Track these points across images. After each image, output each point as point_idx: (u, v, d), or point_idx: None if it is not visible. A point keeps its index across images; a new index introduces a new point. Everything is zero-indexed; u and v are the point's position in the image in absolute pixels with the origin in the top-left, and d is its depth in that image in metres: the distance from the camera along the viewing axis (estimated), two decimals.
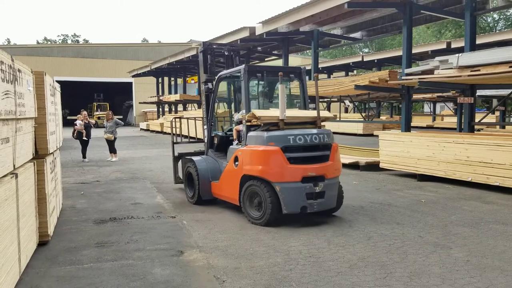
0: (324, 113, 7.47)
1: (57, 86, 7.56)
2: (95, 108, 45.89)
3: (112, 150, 15.74)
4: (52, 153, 6.54)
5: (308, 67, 32.01)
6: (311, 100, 9.93)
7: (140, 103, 42.57)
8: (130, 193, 9.50)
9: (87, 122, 15.45)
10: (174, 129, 10.05)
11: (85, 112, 15.99)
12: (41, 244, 5.67)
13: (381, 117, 32.73)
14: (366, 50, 66.21)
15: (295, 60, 44.11)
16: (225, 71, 8.23)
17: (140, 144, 22.86)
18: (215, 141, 8.40)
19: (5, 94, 3.78)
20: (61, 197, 7.99)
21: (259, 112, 6.91)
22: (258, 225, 6.63)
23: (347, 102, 26.44)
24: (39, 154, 5.71)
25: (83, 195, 9.33)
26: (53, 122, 6.57)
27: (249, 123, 6.98)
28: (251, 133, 6.96)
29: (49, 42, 76.95)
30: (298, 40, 19.03)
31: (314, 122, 7.11)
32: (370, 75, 13.63)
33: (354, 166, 12.95)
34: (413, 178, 11.03)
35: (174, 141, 9.70)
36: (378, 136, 13.17)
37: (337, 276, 4.61)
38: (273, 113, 6.96)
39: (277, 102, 7.45)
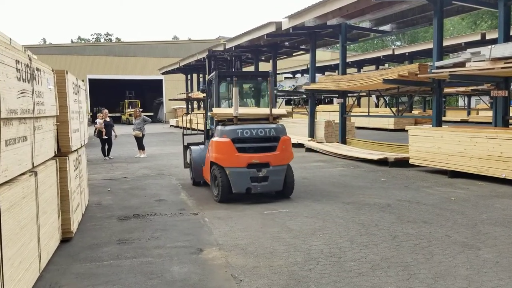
0: (277, 111, 8.92)
1: (81, 84, 7.65)
2: (126, 105, 46.64)
3: (141, 147, 15.94)
4: (75, 150, 6.62)
5: (337, 61, 31.49)
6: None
7: (169, 100, 43.07)
8: (155, 190, 9.56)
9: (107, 120, 15.64)
10: (185, 123, 11.64)
11: (106, 111, 16.19)
12: (64, 240, 5.75)
13: (413, 112, 31.95)
14: (398, 43, 64.76)
15: (324, 55, 43.64)
16: (209, 76, 9.58)
17: (168, 141, 23.07)
18: (210, 133, 9.29)
19: (21, 93, 3.81)
20: (87, 193, 8.11)
21: (216, 110, 8.44)
22: (216, 201, 8.12)
23: (374, 97, 25.89)
24: (62, 152, 5.78)
25: (110, 192, 9.46)
26: (77, 120, 6.65)
27: (217, 119, 8.32)
28: (216, 127, 8.29)
29: (82, 41, 78.89)
30: (325, 34, 18.71)
31: (268, 118, 8.27)
32: (399, 68, 13.27)
33: (382, 162, 12.65)
34: (443, 174, 10.67)
35: (184, 133, 11.10)
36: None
37: (358, 277, 4.47)
38: (230, 111, 8.20)
39: (247, 101, 9.55)
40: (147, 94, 52.08)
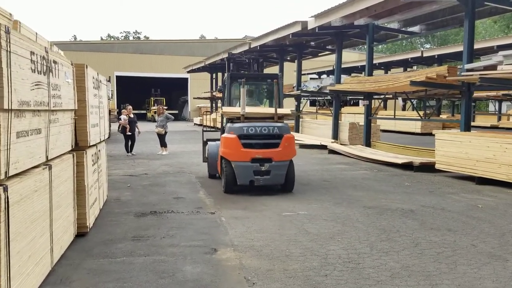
0: (282, 110, 9.19)
1: (103, 79, 7.65)
2: (152, 103, 47.12)
3: (163, 144, 15.98)
4: (94, 145, 6.61)
5: (363, 62, 31.05)
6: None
7: (194, 98, 43.28)
8: (174, 187, 9.52)
9: (131, 117, 15.72)
10: (207, 121, 12.04)
11: (130, 107, 16.29)
12: (80, 235, 5.73)
13: (441, 116, 31.18)
14: (428, 46, 63.55)
15: (350, 56, 43.11)
16: (224, 77, 10.44)
17: (192, 139, 23.11)
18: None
19: (36, 85, 3.77)
20: (106, 189, 8.11)
21: (226, 109, 9.37)
22: (224, 192, 8.80)
23: (400, 99, 25.35)
24: (80, 146, 5.76)
25: (129, 188, 9.46)
26: (96, 115, 6.63)
27: (228, 117, 9.12)
28: (226, 125, 9.07)
29: (112, 39, 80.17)
30: (352, 34, 18.40)
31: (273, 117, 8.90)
32: (427, 70, 12.90)
33: (407, 166, 12.30)
34: (471, 181, 10.28)
35: (204, 129, 11.85)
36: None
37: (376, 286, 4.27)
38: (238, 109, 8.90)
39: (259, 101, 10.53)
40: (173, 92, 52.52)
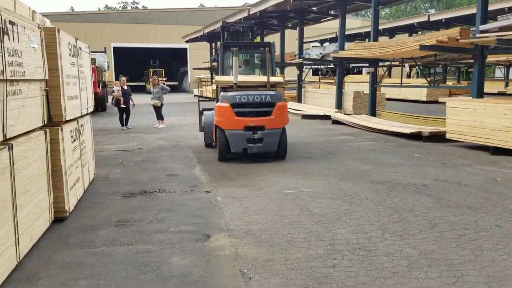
0: (274, 79, 9.23)
1: (84, 46, 6.92)
2: (151, 74, 46.04)
3: (159, 117, 15.31)
4: (74, 119, 5.96)
5: (367, 29, 29.90)
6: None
7: (193, 69, 42.24)
8: (168, 163, 8.92)
9: (125, 88, 14.98)
10: (204, 91, 12.55)
11: (123, 78, 15.52)
12: (58, 220, 5.15)
13: (447, 83, 30.23)
14: (433, 11, 61.71)
15: (354, 23, 41.81)
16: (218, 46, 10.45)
17: (191, 111, 22.34)
18: None
19: None
20: (93, 166, 7.50)
21: (219, 78, 9.43)
22: (218, 160, 8.97)
23: (407, 66, 24.41)
24: (54, 122, 5.11)
25: (120, 164, 8.86)
26: (75, 86, 5.95)
27: (221, 86, 9.18)
28: (220, 93, 9.11)
29: (109, 10, 78.28)
30: None
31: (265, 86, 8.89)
32: (437, 33, 12.08)
33: (416, 136, 11.63)
34: (485, 151, 9.62)
35: (200, 99, 12.13)
36: (443, 103, 11.73)
37: (392, 279, 3.68)
38: (231, 78, 8.88)
39: (253, 70, 10.52)
40: (172, 63, 51.38)
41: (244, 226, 5.03)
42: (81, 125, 6.47)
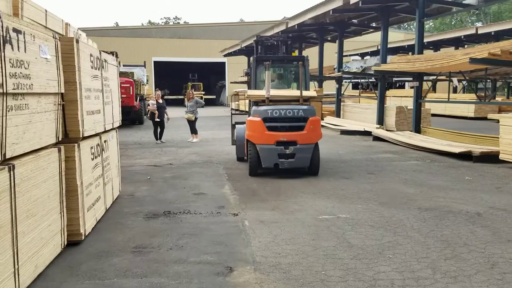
0: (308, 93, 9.12)
1: (111, 59, 6.64)
2: (189, 88, 46.48)
3: (193, 131, 15.02)
4: (96, 135, 5.63)
5: (410, 42, 28.83)
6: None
7: (231, 83, 42.24)
8: (197, 180, 8.49)
9: (160, 102, 14.78)
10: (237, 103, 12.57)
11: (158, 92, 15.36)
12: (72, 244, 4.77)
13: (496, 99, 28.66)
14: (479, 25, 59.44)
15: (396, 36, 40.66)
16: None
17: (225, 125, 21.99)
18: None
19: None
20: (118, 183, 7.16)
21: (251, 92, 9.40)
22: (249, 175, 8.79)
23: (455, 80, 23.23)
24: (70, 138, 4.76)
25: (149, 181, 8.51)
26: (98, 100, 5.62)
27: (253, 100, 9.14)
28: (252, 107, 9.02)
29: (152, 25, 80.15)
30: (400, 9, 16.66)
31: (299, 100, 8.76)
32: (489, 46, 11.20)
33: (465, 156, 10.73)
34: None
35: (233, 112, 11.83)
36: (493, 120, 10.82)
37: None
38: (263, 92, 8.79)
39: (287, 84, 10.47)
40: (211, 77, 51.69)
41: (272, 258, 4.47)
42: (105, 141, 6.13)
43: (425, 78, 16.51)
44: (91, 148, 5.40)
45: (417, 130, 14.98)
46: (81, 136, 4.84)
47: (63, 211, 4.55)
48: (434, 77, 15.90)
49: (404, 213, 6.07)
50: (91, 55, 5.34)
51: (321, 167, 9.67)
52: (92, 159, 5.46)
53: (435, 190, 7.54)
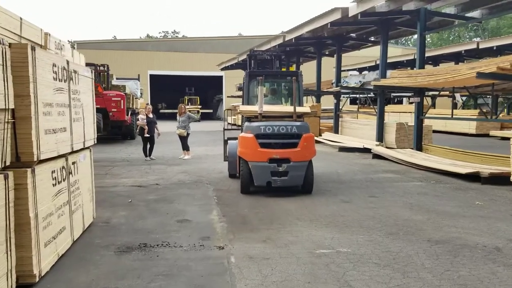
0: (301, 109, 8.91)
1: (84, 70, 5.94)
2: (186, 102, 45.88)
3: (185, 147, 14.29)
4: (60, 156, 4.90)
5: (408, 57, 28.37)
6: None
7: (228, 97, 41.68)
8: (183, 204, 7.75)
9: (150, 117, 14.07)
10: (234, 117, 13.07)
11: (149, 106, 14.66)
12: (24, 287, 4.01)
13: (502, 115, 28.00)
14: (477, 40, 59.29)
15: (394, 51, 40.24)
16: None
17: (220, 140, 21.27)
18: None
19: None
20: (92, 209, 6.41)
21: (243, 107, 9.17)
22: (241, 193, 8.53)
23: (458, 96, 22.62)
24: (23, 162, 4.03)
25: (129, 204, 7.76)
26: (63, 116, 4.91)
27: (246, 115, 8.99)
28: (244, 123, 8.94)
29: (149, 38, 79.88)
30: (400, 22, 16.10)
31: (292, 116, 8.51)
32: (497, 59, 10.57)
33: (472, 177, 10.02)
34: None
35: (225, 127, 11.49)
36: (497, 137, 10.15)
37: None
38: (255, 108, 8.58)
39: (280, 100, 10.23)
40: (208, 91, 51.14)
41: None
42: (73, 163, 5.40)
43: (427, 93, 15.88)
44: (53, 172, 4.67)
45: (419, 147, 14.31)
46: (35, 159, 4.11)
47: (10, 249, 3.80)
48: (436, 92, 15.26)
49: (412, 247, 5.33)
50: (54, 65, 4.64)
51: (319, 188, 9.00)
52: (54, 184, 4.72)
53: (444, 217, 6.81)
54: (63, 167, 5.00)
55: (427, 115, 14.71)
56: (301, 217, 6.79)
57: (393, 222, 6.50)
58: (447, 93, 15.12)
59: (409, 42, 71.88)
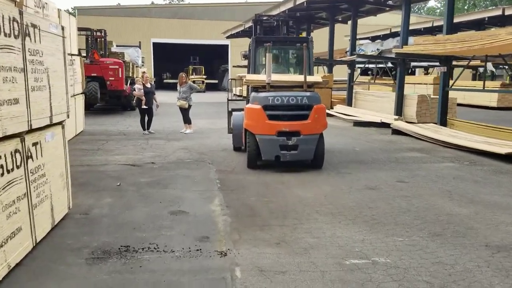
0: (312, 78, 8.28)
1: (48, 25, 4.66)
2: (190, 72, 44.34)
3: (186, 120, 13.07)
4: (13, 136, 3.72)
5: (425, 25, 26.66)
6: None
7: (234, 66, 40.09)
8: (180, 189, 6.59)
9: (148, 86, 12.78)
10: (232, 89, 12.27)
11: (146, 75, 13.35)
12: None
13: None
14: (503, 6, 56.65)
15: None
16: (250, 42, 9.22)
17: (225, 112, 20.12)
18: None
19: None
20: (67, 198, 5.25)
21: (249, 77, 8.52)
22: (247, 167, 7.99)
23: (490, 65, 21.07)
24: None
25: (118, 189, 6.61)
26: (12, 84, 3.69)
27: (252, 85, 8.34)
28: (250, 94, 8.32)
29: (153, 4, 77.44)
30: None
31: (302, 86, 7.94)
32: None
33: (509, 157, 8.77)
34: None
35: (229, 98, 10.63)
36: None
37: None
38: (263, 77, 8.01)
39: (287, 69, 9.66)
40: (213, 61, 49.42)
41: None
42: (34, 144, 4.21)
43: (454, 64, 14.42)
44: None
45: (443, 122, 13.00)
46: None
47: None
48: (464, 61, 13.81)
49: (469, 256, 4.14)
50: (3, 17, 3.39)
51: (338, 170, 7.86)
52: (2, 174, 3.54)
53: (495, 210, 5.61)
54: (16, 151, 3.81)
55: (453, 87, 13.30)
56: (321, 208, 5.62)
57: (434, 218, 5.30)
58: (477, 62, 13.66)
59: (421, 11, 69.24)
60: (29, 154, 4.11)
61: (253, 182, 7.07)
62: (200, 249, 4.27)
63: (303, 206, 5.74)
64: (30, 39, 4.07)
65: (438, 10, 71.49)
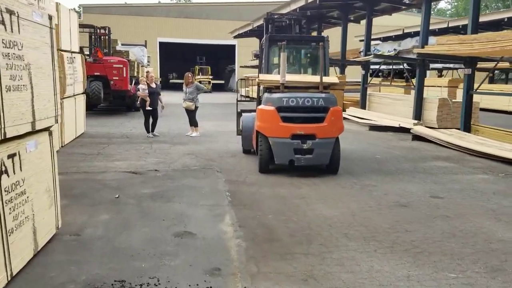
0: (328, 79, 7.98)
1: (36, 13, 3.91)
2: (197, 72, 43.61)
3: (193, 123, 12.30)
4: None
5: (440, 25, 25.82)
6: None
7: (241, 67, 39.30)
8: (186, 203, 5.82)
9: (153, 87, 12.01)
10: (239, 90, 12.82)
11: (151, 74, 12.59)
12: None
13: None
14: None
15: (416, 20, 37.40)
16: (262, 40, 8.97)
17: (234, 114, 19.32)
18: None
19: None
20: (55, 215, 4.49)
21: (263, 76, 8.19)
22: (259, 172, 7.64)
23: None
24: None
25: (115, 202, 5.85)
26: None
27: (265, 86, 8.07)
28: (263, 94, 8.00)
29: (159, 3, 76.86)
30: None
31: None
32: None
33: None
34: None
35: (238, 99, 10.45)
36: None
37: None
38: (277, 77, 7.73)
39: (302, 68, 9.24)
40: (220, 61, 48.68)
41: None
42: (10, 156, 3.45)
43: (479, 66, 13.55)
44: None
45: (467, 128, 12.16)
46: None
47: None
48: (491, 63, 12.93)
49: None
50: None
51: (362, 182, 7.09)
52: None
53: None
54: None
55: (478, 91, 12.44)
56: (349, 231, 4.82)
57: (486, 246, 4.49)
58: (506, 64, 12.80)
59: (432, 12, 68.33)
60: (4, 169, 3.35)
61: (268, 195, 6.28)
62: (211, 287, 3.49)
63: (329, 227, 4.94)
64: (5, 28, 3.31)
65: (448, 12, 70.51)
